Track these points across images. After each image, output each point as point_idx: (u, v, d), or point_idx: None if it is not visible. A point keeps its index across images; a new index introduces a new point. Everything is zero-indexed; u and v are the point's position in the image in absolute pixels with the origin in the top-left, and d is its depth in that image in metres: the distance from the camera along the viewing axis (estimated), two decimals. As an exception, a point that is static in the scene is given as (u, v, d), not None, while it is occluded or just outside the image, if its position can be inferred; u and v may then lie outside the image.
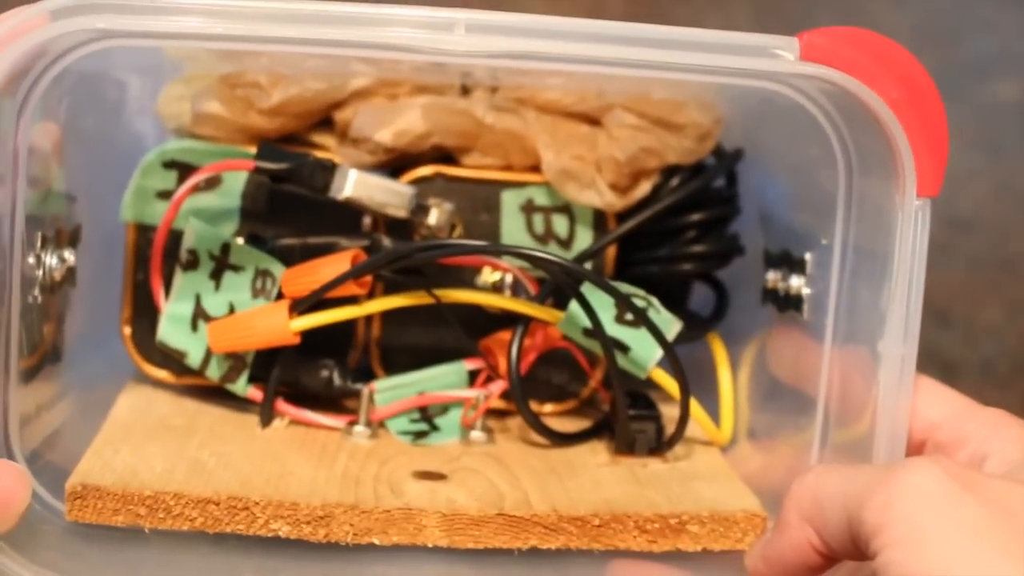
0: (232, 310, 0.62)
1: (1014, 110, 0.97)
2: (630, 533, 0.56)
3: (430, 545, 0.55)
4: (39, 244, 0.57)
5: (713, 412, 0.65)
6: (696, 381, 0.64)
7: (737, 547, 0.56)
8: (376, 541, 0.55)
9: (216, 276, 0.62)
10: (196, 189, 0.62)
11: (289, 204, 0.63)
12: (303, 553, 0.55)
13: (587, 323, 0.60)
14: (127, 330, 0.65)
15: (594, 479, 0.59)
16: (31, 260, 0.56)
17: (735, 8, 0.98)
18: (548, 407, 0.66)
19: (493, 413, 0.65)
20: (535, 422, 0.62)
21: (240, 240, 0.63)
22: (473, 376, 0.64)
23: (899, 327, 0.52)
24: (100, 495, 0.54)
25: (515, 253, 0.60)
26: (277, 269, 0.61)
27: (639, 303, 0.61)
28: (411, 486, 0.57)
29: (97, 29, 0.52)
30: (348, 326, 0.64)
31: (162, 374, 0.65)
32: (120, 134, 0.68)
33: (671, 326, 0.61)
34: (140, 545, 0.55)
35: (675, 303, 0.68)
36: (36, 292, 0.56)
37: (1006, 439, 0.51)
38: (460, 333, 0.63)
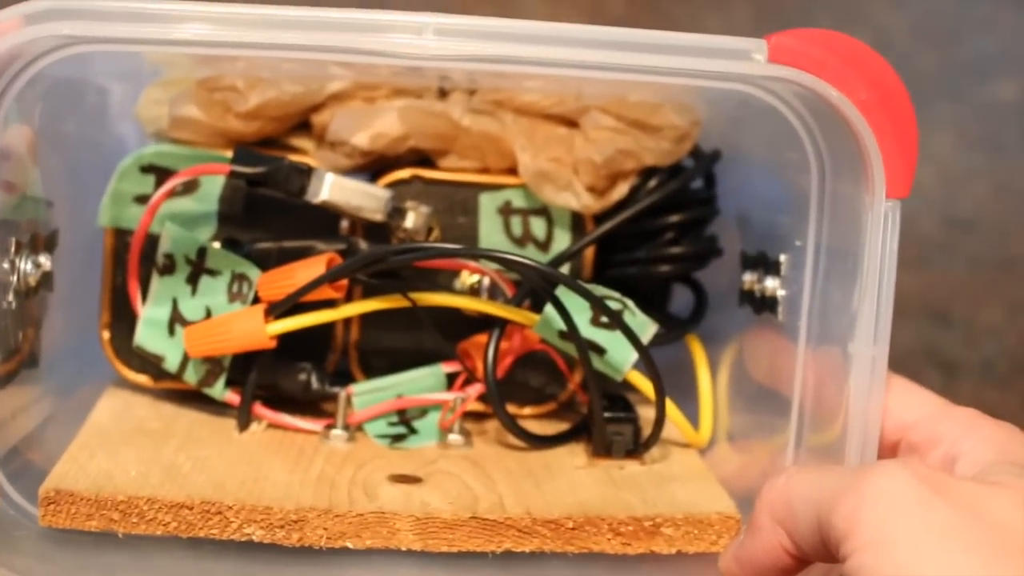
0: (209, 314, 0.62)
1: (1014, 110, 0.97)
2: (604, 536, 0.56)
3: (404, 549, 0.55)
4: (13, 249, 0.57)
5: (694, 414, 0.65)
6: (677, 383, 0.64)
7: (712, 549, 0.56)
8: (350, 545, 0.55)
9: (192, 280, 0.62)
10: (174, 193, 0.62)
11: (266, 208, 0.63)
12: (277, 557, 0.55)
13: (563, 326, 0.60)
14: (106, 335, 0.65)
15: (570, 482, 0.59)
16: (5, 265, 0.56)
17: (735, 8, 0.98)
18: (527, 410, 0.66)
19: (471, 416, 0.65)
20: (511, 425, 0.62)
21: (216, 244, 0.63)
22: (452, 379, 0.64)
23: (869, 328, 0.52)
24: (73, 500, 0.54)
25: (489, 256, 0.60)
26: (253, 273, 0.61)
27: (614, 305, 0.60)
28: (386, 490, 0.57)
29: (70, 35, 0.52)
30: (327, 330, 0.64)
31: (141, 379, 0.65)
32: (101, 139, 0.68)
33: (646, 328, 0.61)
34: (115, 549, 0.55)
35: (656, 305, 0.68)
36: (10, 297, 0.56)
37: (978, 439, 0.51)
38: (437, 336, 0.63)
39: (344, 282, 0.61)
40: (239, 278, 0.61)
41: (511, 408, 0.64)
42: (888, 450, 0.54)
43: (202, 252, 0.62)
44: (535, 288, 0.60)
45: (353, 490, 0.56)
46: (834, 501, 0.45)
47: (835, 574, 0.51)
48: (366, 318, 0.64)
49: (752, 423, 0.63)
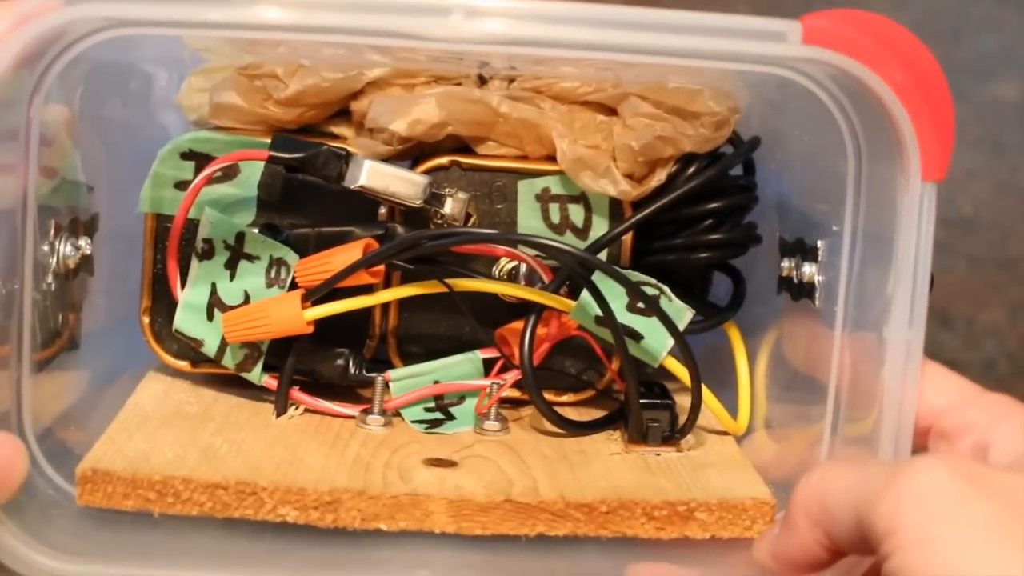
0: (247, 299, 0.62)
1: (1015, 109, 0.96)
2: (638, 520, 0.55)
3: (437, 531, 0.55)
4: (52, 232, 0.57)
5: (733, 401, 0.65)
6: (717, 371, 0.64)
7: (746, 535, 0.56)
8: (384, 527, 0.55)
9: (231, 265, 0.62)
10: (213, 179, 0.62)
11: (306, 194, 0.63)
12: (312, 538, 0.55)
13: (599, 312, 0.59)
14: (146, 320, 0.65)
15: (605, 467, 0.59)
16: (44, 248, 0.57)
17: (735, 7, 0.98)
18: (566, 396, 0.66)
19: (509, 402, 0.65)
20: (547, 410, 0.62)
21: (255, 230, 0.63)
22: (489, 365, 0.64)
23: (904, 312, 0.52)
24: (110, 480, 0.54)
25: (524, 242, 0.60)
26: (291, 258, 0.62)
27: (650, 291, 0.60)
28: (420, 473, 0.57)
29: (110, 16, 0.52)
30: (365, 316, 0.65)
31: (181, 364, 0.65)
32: (144, 126, 0.69)
33: (683, 314, 0.61)
34: (151, 529, 0.55)
35: (697, 293, 0.68)
36: (49, 279, 0.57)
37: (1011, 427, 0.51)
38: (473, 322, 0.63)
39: (381, 268, 0.61)
40: (277, 263, 0.62)
41: (549, 395, 0.64)
42: (919, 436, 0.53)
43: (240, 237, 0.62)
44: (571, 274, 0.60)
45: (388, 473, 0.57)
46: (873, 499, 0.45)
47: (865, 565, 0.51)
48: (404, 305, 0.65)
49: (790, 410, 0.63)
